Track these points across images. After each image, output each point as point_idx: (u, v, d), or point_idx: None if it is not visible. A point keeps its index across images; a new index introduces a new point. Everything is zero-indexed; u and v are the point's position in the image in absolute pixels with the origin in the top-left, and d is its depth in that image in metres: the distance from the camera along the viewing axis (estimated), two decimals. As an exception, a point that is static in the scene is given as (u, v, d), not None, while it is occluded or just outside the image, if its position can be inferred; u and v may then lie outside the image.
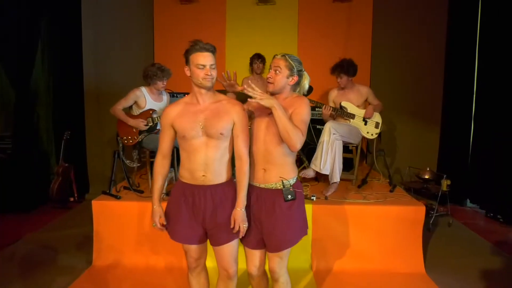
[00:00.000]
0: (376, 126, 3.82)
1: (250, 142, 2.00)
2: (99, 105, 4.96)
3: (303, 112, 1.93)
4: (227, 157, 1.97)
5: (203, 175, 1.92)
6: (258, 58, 4.56)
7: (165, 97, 3.62)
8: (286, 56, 1.98)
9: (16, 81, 4.53)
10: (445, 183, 3.97)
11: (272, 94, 2.00)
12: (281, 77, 1.96)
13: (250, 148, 2.00)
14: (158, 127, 3.49)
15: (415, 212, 3.10)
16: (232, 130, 1.95)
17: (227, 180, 2.00)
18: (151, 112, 3.43)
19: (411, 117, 5.07)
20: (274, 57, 2.02)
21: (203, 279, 2.18)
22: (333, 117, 3.77)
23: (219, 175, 1.95)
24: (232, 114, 1.93)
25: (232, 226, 1.95)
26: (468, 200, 4.92)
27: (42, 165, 4.85)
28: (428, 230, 3.80)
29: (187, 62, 1.90)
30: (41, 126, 4.89)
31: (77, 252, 3.36)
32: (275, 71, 1.96)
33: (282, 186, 1.95)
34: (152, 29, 5.14)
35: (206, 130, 1.90)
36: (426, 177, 4.20)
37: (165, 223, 2.04)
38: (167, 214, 2.07)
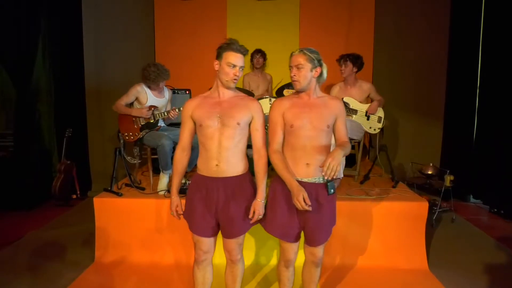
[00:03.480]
0: (379, 121, 3.80)
1: (293, 139, 2.00)
2: (101, 102, 4.95)
3: (345, 118, 2.07)
4: (240, 149, 2.02)
5: (216, 164, 1.98)
6: (258, 52, 4.58)
7: (167, 94, 3.60)
8: (304, 51, 1.96)
9: (17, 79, 4.53)
10: (448, 179, 3.95)
11: (300, 91, 2.00)
12: (305, 72, 1.95)
13: (293, 144, 2.00)
14: (159, 124, 3.48)
15: (418, 208, 3.08)
16: (250, 124, 2.02)
17: (242, 173, 2.04)
18: (152, 108, 3.41)
19: (414, 112, 5.04)
20: (291, 55, 1.99)
21: (208, 274, 2.21)
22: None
23: (232, 167, 2.00)
24: (251, 109, 2.01)
25: (251, 216, 2.01)
26: (471, 196, 4.89)
27: (44, 163, 4.85)
28: (431, 226, 3.79)
29: (218, 56, 1.96)
30: (42, 124, 4.87)
31: (79, 249, 3.36)
32: (297, 68, 1.95)
33: (324, 181, 1.96)
34: (153, 25, 5.13)
35: (222, 119, 1.96)
36: (429, 172, 4.18)
37: (181, 212, 2.12)
38: (185, 206, 2.14)
